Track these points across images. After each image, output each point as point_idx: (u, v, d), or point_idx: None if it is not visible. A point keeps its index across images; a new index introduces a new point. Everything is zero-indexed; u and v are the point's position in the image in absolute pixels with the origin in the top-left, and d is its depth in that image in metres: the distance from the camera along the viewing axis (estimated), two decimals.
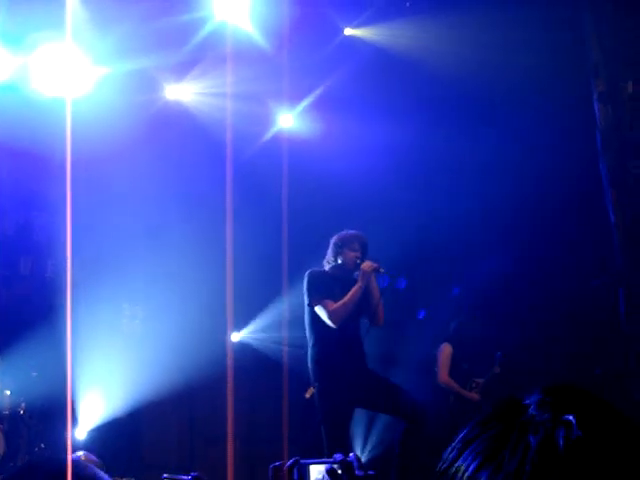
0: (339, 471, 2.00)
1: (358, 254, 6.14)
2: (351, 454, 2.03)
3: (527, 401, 0.94)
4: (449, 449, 0.95)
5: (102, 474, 1.39)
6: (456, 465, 0.91)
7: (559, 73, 7.27)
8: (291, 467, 2.08)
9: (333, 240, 6.26)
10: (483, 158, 7.86)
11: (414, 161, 7.95)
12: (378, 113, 7.77)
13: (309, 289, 6.10)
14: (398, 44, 7.67)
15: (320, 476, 2.08)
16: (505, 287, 7.98)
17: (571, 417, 0.88)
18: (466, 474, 0.89)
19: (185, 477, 2.97)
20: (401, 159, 7.91)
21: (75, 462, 1.35)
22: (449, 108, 7.74)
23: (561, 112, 7.38)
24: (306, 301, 6.13)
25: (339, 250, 6.18)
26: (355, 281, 6.08)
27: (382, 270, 6.08)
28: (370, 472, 1.98)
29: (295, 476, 2.08)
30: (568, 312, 7.82)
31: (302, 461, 2.11)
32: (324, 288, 6.08)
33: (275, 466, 2.07)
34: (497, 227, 7.96)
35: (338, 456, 2.03)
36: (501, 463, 0.86)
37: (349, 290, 6.03)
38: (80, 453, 2.90)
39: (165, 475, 3.02)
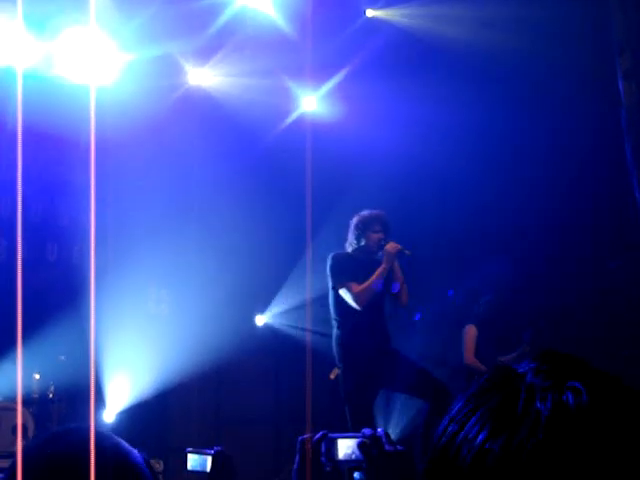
0: (368, 445, 2.01)
1: (381, 235, 6.09)
2: (380, 429, 2.04)
3: (521, 370, 0.93)
4: (445, 422, 0.94)
5: (125, 445, 1.40)
6: (460, 437, 0.90)
7: (583, 51, 7.19)
8: (319, 440, 2.09)
9: (354, 222, 6.20)
10: (506, 139, 7.81)
11: (436, 142, 7.91)
12: (400, 95, 7.73)
13: (333, 272, 6.07)
14: (420, 25, 7.62)
15: (349, 450, 2.09)
16: (528, 270, 7.94)
17: (577, 383, 0.88)
18: (474, 445, 0.88)
19: (208, 451, 3.00)
20: (423, 140, 7.88)
21: (98, 432, 1.36)
22: (472, 89, 7.68)
23: (585, 90, 7.31)
24: (330, 284, 6.10)
25: (361, 232, 6.13)
26: (378, 262, 6.05)
27: (407, 252, 6.02)
28: (399, 447, 1.99)
29: (323, 449, 2.08)
30: (593, 294, 7.77)
31: (330, 435, 2.12)
32: (348, 270, 6.04)
33: (303, 439, 2.08)
34: (519, 210, 7.92)
35: (367, 431, 2.04)
36: (513, 432, 0.86)
37: (373, 272, 5.98)
38: None
39: (189, 449, 3.05)
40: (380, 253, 6.08)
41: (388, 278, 6.05)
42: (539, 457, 0.84)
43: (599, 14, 7.11)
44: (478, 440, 0.88)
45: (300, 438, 2.07)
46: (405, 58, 7.85)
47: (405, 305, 6.24)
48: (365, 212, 6.20)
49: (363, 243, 6.13)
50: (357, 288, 5.95)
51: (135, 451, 1.42)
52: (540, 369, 0.92)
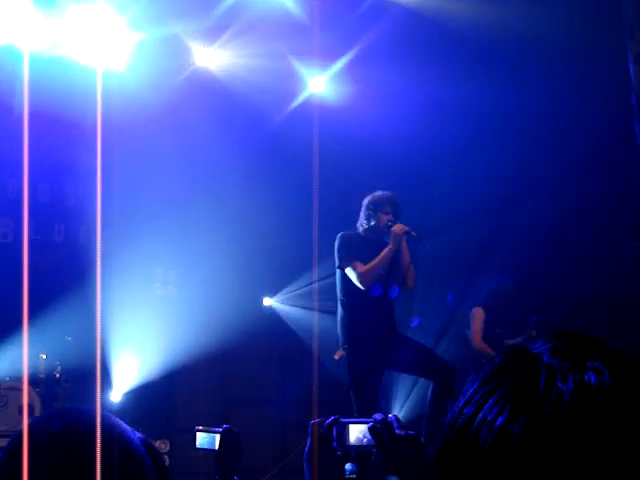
0: (379, 430, 2.01)
1: (390, 217, 6.09)
2: (391, 414, 2.04)
3: (536, 350, 0.93)
4: (461, 404, 0.93)
5: (125, 428, 1.39)
6: (478, 420, 0.89)
7: (594, 34, 7.14)
8: (330, 425, 2.10)
9: (365, 202, 6.22)
10: (515, 122, 7.78)
11: (445, 123, 7.88)
12: (408, 76, 7.70)
13: (340, 251, 6.09)
14: (429, 5, 7.56)
15: (361, 435, 2.10)
16: (537, 253, 7.93)
17: (598, 363, 0.87)
18: (494, 427, 0.87)
19: (217, 429, 3.02)
20: (432, 122, 7.85)
21: (102, 415, 1.36)
22: (481, 71, 7.64)
23: (596, 74, 7.27)
24: (337, 263, 6.12)
25: (371, 213, 6.15)
26: (387, 244, 6.05)
27: (413, 233, 6.02)
28: (411, 432, 2.00)
29: (334, 434, 2.09)
30: (600, 277, 7.76)
31: (342, 420, 2.13)
32: (355, 250, 6.06)
33: (315, 423, 2.09)
34: (529, 192, 7.90)
35: (378, 416, 2.04)
36: (534, 413, 0.85)
37: (380, 253, 6.01)
38: None
39: (198, 427, 3.08)
40: (388, 235, 6.09)
41: (396, 259, 6.05)
42: (563, 437, 0.83)
43: None
44: (498, 422, 0.87)
45: (311, 422, 2.08)
46: (414, 39, 7.79)
47: (411, 288, 6.24)
48: (377, 193, 6.22)
49: (373, 223, 6.14)
50: (362, 268, 5.96)
51: (134, 434, 1.42)
52: (557, 349, 0.91)
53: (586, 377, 0.86)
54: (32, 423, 1.37)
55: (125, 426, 1.40)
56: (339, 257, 6.09)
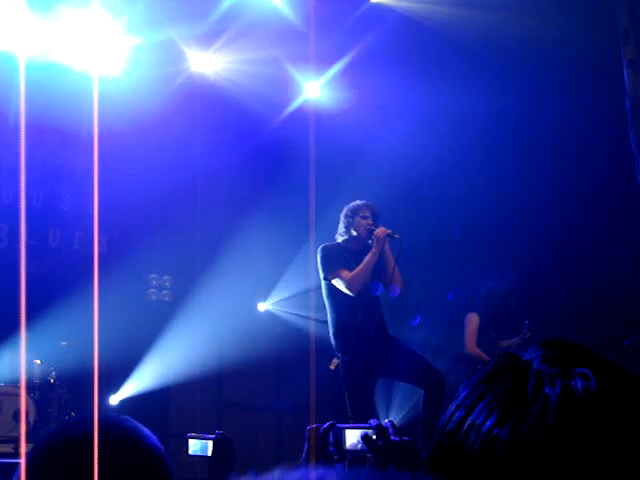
0: (374, 437, 2.02)
1: (370, 220, 6.07)
2: (386, 420, 2.04)
3: (527, 357, 0.94)
4: (452, 409, 0.94)
5: (137, 430, 1.39)
6: (467, 423, 0.90)
7: (588, 40, 7.16)
8: (327, 430, 2.11)
9: (343, 212, 6.19)
10: (509, 127, 7.80)
11: (440, 129, 7.90)
12: (404, 82, 7.71)
13: (323, 263, 6.04)
14: (424, 11, 7.58)
15: (355, 441, 2.10)
16: (532, 258, 7.94)
17: (586, 370, 0.88)
18: (482, 430, 0.88)
19: (210, 436, 3.02)
20: (427, 128, 7.86)
21: (109, 419, 1.36)
22: (477, 76, 7.66)
23: (590, 79, 7.29)
24: (321, 275, 6.08)
25: (350, 220, 6.12)
26: (369, 250, 6.02)
27: (396, 235, 5.99)
28: (405, 438, 2.00)
29: (331, 439, 2.10)
30: (596, 282, 7.77)
31: (338, 425, 2.14)
32: (339, 260, 6.02)
33: (311, 428, 2.09)
34: (524, 196, 7.91)
35: (373, 422, 2.04)
36: (521, 417, 0.86)
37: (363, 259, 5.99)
38: None
39: (190, 434, 3.07)
40: (369, 241, 6.06)
41: (379, 263, 6.03)
42: (548, 442, 0.84)
43: (604, 3, 7.07)
44: (486, 425, 0.88)
45: (308, 427, 2.08)
46: (409, 45, 7.81)
47: (398, 290, 6.21)
48: (355, 202, 6.20)
49: (353, 233, 6.11)
50: (349, 275, 5.93)
51: (151, 436, 1.42)
52: (547, 356, 0.92)
53: (573, 383, 0.87)
54: (51, 431, 1.39)
55: (139, 430, 1.40)
56: (324, 269, 6.04)
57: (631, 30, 6.88)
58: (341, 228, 6.19)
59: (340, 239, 6.20)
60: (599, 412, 0.85)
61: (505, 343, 7.31)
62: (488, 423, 0.88)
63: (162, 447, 1.41)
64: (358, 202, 6.19)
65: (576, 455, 0.83)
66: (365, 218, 6.08)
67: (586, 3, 7.13)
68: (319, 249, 6.12)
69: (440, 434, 0.94)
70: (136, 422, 1.43)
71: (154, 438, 1.42)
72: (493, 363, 0.96)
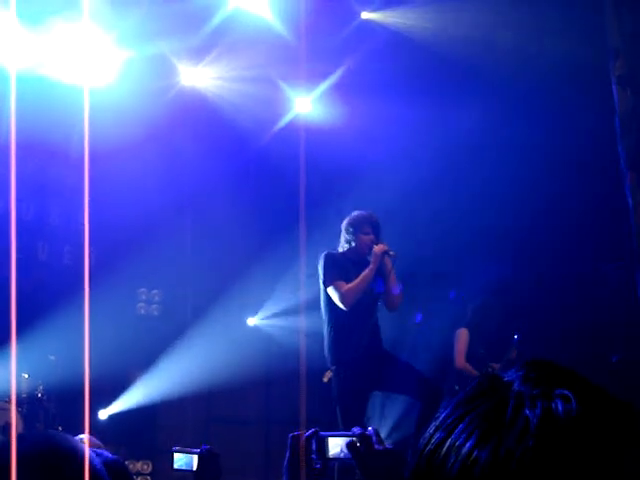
0: (358, 444, 2.01)
1: (371, 237, 6.10)
2: (370, 428, 2.03)
3: (508, 378, 0.93)
4: (431, 429, 0.93)
5: (84, 452, 1.34)
6: (446, 445, 0.89)
7: (578, 56, 7.20)
8: (309, 437, 2.10)
9: (344, 225, 6.22)
10: (500, 142, 7.82)
11: (431, 146, 7.92)
12: (395, 98, 7.74)
13: (324, 270, 6.07)
14: (415, 27, 7.61)
15: (338, 449, 2.09)
16: (520, 272, 7.95)
17: (566, 391, 0.88)
18: (461, 452, 0.87)
19: (195, 450, 3.01)
20: (418, 143, 7.88)
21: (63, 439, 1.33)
22: (467, 93, 7.70)
23: (579, 95, 7.33)
24: (322, 281, 6.11)
25: (352, 235, 6.15)
26: (369, 263, 6.04)
27: (392, 253, 6.03)
28: (388, 446, 1.99)
29: (313, 446, 2.09)
30: (584, 297, 7.78)
31: (321, 433, 2.13)
32: (339, 270, 6.05)
33: (294, 435, 2.08)
34: (511, 211, 7.93)
35: (357, 430, 2.03)
36: (501, 439, 0.85)
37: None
38: (83, 436, 2.88)
39: (175, 448, 3.06)
40: (369, 257, 6.09)
41: (377, 279, 6.06)
42: (528, 464, 0.83)
43: (594, 20, 7.12)
44: (466, 447, 0.87)
45: (291, 435, 2.08)
46: (400, 61, 7.84)
47: (395, 308, 6.23)
48: (355, 213, 6.22)
49: (354, 245, 6.13)
50: (345, 287, 5.95)
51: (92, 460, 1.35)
52: (529, 377, 0.91)
53: (553, 405, 0.86)
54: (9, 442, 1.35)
55: (86, 449, 1.35)
56: (324, 275, 6.08)
57: (620, 47, 6.92)
58: (342, 241, 6.22)
59: (341, 249, 6.22)
60: (579, 434, 0.84)
61: (495, 366, 7.31)
62: (468, 445, 0.87)
63: (102, 470, 1.34)
64: (358, 214, 6.20)
65: (555, 478, 0.82)
66: (366, 234, 6.11)
67: (576, 20, 7.17)
68: (322, 256, 6.14)
69: (419, 455, 0.93)
70: (80, 444, 1.36)
71: (95, 461, 1.36)
72: (474, 384, 0.95)
